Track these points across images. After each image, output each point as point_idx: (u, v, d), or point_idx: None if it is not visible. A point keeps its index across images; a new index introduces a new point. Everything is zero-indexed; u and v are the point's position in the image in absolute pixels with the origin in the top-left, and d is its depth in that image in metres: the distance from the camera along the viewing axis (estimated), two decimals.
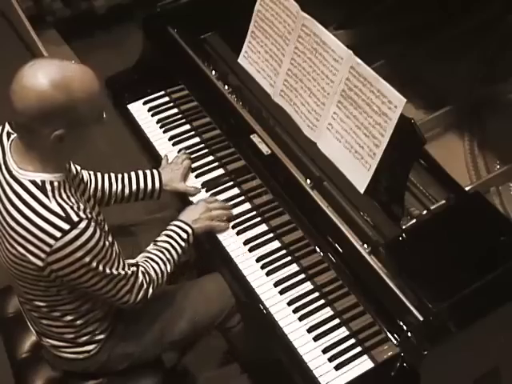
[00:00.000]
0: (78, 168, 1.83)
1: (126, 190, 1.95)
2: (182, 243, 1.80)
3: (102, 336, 1.76)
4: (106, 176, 1.94)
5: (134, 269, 1.66)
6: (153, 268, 1.71)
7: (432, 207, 1.70)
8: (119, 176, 1.95)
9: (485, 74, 2.13)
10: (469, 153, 1.95)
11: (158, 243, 1.79)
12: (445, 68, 2.12)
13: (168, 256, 1.76)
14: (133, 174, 1.97)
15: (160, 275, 1.72)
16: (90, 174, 1.90)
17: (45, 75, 1.40)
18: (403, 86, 1.81)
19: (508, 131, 1.96)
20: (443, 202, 1.71)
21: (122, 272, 1.61)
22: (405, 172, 1.67)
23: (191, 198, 1.98)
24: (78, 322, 1.70)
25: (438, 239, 1.65)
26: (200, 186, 2.00)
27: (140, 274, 1.67)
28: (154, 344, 1.85)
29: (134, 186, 1.95)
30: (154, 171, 1.98)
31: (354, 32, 2.24)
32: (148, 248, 1.79)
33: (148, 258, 1.74)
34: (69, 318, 1.69)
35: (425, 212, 1.70)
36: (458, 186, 1.75)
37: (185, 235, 1.81)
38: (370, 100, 1.68)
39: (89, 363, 1.79)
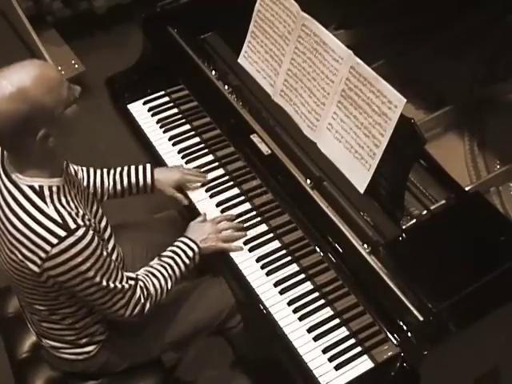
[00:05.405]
0: (76, 167, 1.82)
1: (118, 186, 1.94)
2: (187, 261, 1.77)
3: (102, 337, 1.76)
4: (99, 172, 1.93)
5: (132, 283, 1.63)
6: (152, 283, 1.69)
7: (432, 207, 1.70)
8: (111, 172, 1.94)
9: (485, 74, 2.13)
10: (469, 153, 1.95)
11: (162, 258, 1.76)
12: (445, 68, 2.12)
13: (170, 272, 1.73)
14: (125, 169, 1.95)
15: (159, 291, 1.70)
16: (82, 170, 1.90)
17: None
18: (403, 85, 1.81)
19: (508, 131, 1.97)
20: (443, 201, 1.71)
21: (119, 285, 1.58)
22: (405, 172, 1.67)
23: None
24: (78, 325, 1.70)
25: (438, 239, 1.65)
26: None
27: (138, 289, 1.64)
28: (154, 344, 1.85)
29: (126, 182, 1.94)
30: (147, 166, 1.96)
31: (353, 32, 2.24)
32: (151, 262, 1.76)
33: (150, 272, 1.72)
34: (68, 321, 1.68)
35: (425, 212, 1.70)
36: (458, 186, 1.75)
37: (191, 253, 1.78)
38: (369, 100, 1.68)
39: (89, 364, 1.79)
